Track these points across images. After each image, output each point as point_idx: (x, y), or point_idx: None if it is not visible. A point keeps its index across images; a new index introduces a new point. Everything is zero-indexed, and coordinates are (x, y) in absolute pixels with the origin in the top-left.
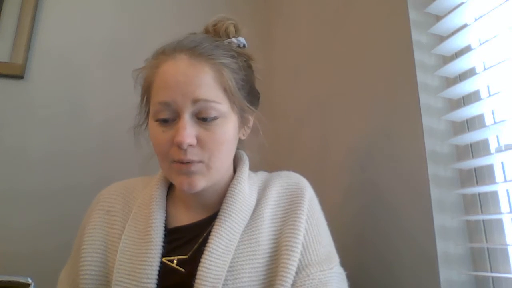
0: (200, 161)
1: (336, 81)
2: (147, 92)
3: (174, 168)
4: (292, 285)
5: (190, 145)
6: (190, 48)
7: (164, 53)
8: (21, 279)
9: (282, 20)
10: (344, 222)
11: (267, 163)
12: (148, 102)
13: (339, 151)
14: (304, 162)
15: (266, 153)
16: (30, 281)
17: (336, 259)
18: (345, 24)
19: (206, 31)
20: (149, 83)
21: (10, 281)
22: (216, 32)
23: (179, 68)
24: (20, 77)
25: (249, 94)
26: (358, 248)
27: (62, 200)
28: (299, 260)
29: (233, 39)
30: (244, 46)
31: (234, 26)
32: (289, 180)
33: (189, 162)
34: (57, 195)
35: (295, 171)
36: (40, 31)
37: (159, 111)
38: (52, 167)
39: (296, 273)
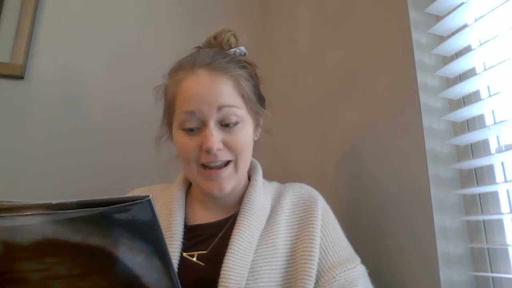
0: (229, 161)
1: (336, 82)
2: (171, 105)
3: (203, 174)
4: None
5: (218, 149)
6: (208, 63)
7: (183, 69)
8: (140, 195)
9: (282, 20)
10: (343, 222)
11: (267, 162)
12: (172, 114)
13: (338, 152)
14: (303, 162)
15: (266, 152)
16: (150, 196)
17: (357, 258)
18: (345, 24)
19: (209, 43)
20: (172, 97)
21: (128, 197)
22: (218, 44)
23: (201, 82)
24: (20, 77)
25: (259, 98)
26: (358, 249)
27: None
28: (321, 264)
29: (236, 49)
30: (244, 54)
31: (234, 37)
32: (302, 190)
33: (219, 168)
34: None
35: (295, 173)
36: (40, 31)
37: (185, 121)
38: (51, 167)
39: (321, 276)
